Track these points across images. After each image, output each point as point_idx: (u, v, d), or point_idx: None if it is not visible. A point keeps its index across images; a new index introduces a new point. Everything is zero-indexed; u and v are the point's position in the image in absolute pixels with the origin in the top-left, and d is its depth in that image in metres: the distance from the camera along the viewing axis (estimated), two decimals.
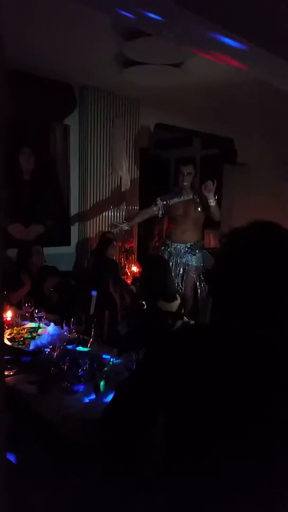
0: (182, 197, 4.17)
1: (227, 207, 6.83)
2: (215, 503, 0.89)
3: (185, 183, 4.14)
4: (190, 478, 0.93)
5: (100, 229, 4.80)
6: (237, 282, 0.92)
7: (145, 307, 2.46)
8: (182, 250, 4.17)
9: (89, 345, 2.21)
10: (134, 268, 4.75)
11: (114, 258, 4.35)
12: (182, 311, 2.66)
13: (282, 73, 2.99)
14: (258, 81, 3.45)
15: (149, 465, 1.13)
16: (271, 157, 6.00)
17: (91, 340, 2.23)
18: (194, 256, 4.14)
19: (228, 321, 0.95)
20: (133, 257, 4.99)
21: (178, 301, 2.63)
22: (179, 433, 0.95)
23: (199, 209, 4.14)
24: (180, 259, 4.15)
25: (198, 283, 4.18)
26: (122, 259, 4.83)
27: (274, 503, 0.87)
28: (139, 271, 4.53)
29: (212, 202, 4.06)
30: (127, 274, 4.65)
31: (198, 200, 4.13)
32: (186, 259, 4.15)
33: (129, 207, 5.08)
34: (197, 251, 4.17)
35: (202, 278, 4.18)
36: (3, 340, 2.16)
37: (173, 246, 4.20)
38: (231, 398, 0.88)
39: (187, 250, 4.15)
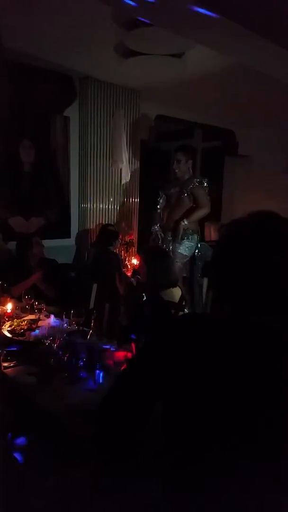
0: (176, 187, 4.17)
1: (228, 199, 6.83)
2: (215, 492, 0.90)
3: (176, 171, 4.14)
4: (189, 468, 0.93)
5: (100, 221, 4.80)
6: (236, 272, 0.92)
7: (145, 298, 2.46)
8: (169, 238, 4.17)
9: (88, 336, 2.21)
10: (134, 261, 4.75)
11: (115, 251, 4.35)
12: (183, 302, 2.67)
13: (283, 64, 2.96)
14: (259, 72, 3.42)
15: (147, 455, 1.14)
16: (272, 149, 5.97)
17: (90, 331, 2.23)
18: (181, 246, 4.12)
19: (228, 310, 0.95)
20: (133, 249, 4.99)
21: (179, 291, 2.65)
22: (177, 422, 0.96)
23: (186, 197, 4.11)
24: (168, 248, 4.14)
25: (187, 273, 4.17)
26: (122, 251, 4.83)
27: (277, 494, 0.88)
28: (139, 264, 4.53)
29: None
30: (127, 266, 4.65)
31: (186, 186, 4.10)
32: (173, 246, 4.12)
33: (129, 199, 5.08)
34: (183, 239, 4.13)
35: (196, 269, 4.17)
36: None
37: (166, 235, 4.22)
38: (230, 387, 0.88)
39: (173, 238, 4.14)
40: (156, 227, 4.37)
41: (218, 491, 0.90)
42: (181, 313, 2.61)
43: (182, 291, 2.70)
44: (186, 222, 4.08)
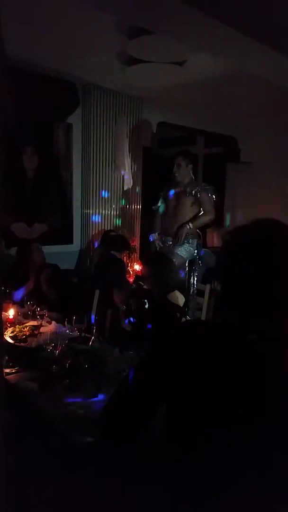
0: (176, 189, 4.19)
1: (230, 205, 6.83)
2: (215, 497, 0.90)
3: (176, 175, 4.18)
4: (191, 473, 0.93)
5: (103, 227, 4.81)
6: (239, 279, 0.92)
7: (147, 305, 2.46)
8: (170, 243, 4.18)
9: (90, 343, 2.21)
10: (137, 267, 4.75)
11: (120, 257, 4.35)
12: (186, 309, 2.68)
13: (284, 69, 2.98)
14: (261, 79, 3.44)
15: (149, 459, 1.13)
16: (274, 156, 5.98)
17: (92, 338, 2.23)
18: (180, 247, 4.12)
19: (231, 316, 0.95)
20: (135, 255, 5.00)
21: (182, 297, 2.66)
22: (180, 426, 0.95)
23: (189, 201, 4.12)
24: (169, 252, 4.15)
25: (186, 277, 4.17)
26: (125, 257, 4.83)
27: (275, 496, 0.88)
28: (141, 270, 4.53)
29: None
30: (129, 272, 4.65)
31: (189, 191, 4.11)
32: (171, 251, 4.12)
33: (132, 206, 5.09)
34: (183, 243, 4.13)
35: (195, 273, 4.17)
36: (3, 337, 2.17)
37: (164, 239, 4.22)
38: (232, 392, 0.88)
39: (173, 242, 4.15)
40: (154, 236, 4.38)
41: (220, 496, 0.89)
42: (183, 319, 2.62)
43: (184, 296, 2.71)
44: (191, 226, 4.10)
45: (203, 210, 4.15)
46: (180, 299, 2.64)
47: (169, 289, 2.61)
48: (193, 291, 4.14)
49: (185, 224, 4.11)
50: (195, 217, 4.15)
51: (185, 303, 2.66)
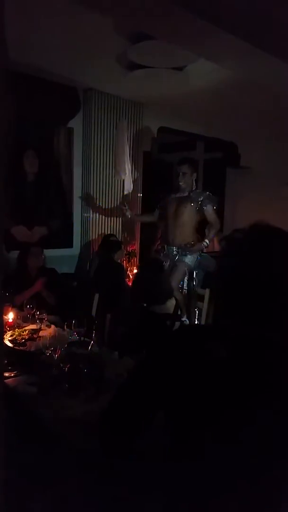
0: (177, 196, 4.18)
1: (230, 210, 6.85)
2: (216, 502, 0.90)
3: (180, 183, 4.13)
4: (190, 478, 0.93)
5: (103, 231, 4.81)
6: (238, 284, 0.93)
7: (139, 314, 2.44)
8: (174, 252, 4.18)
9: (89, 347, 2.20)
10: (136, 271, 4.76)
11: (120, 262, 4.36)
12: (179, 312, 2.64)
13: (284, 76, 3.00)
14: (261, 85, 3.46)
15: (148, 464, 1.13)
16: (274, 161, 6.00)
17: (91, 342, 2.23)
18: (185, 257, 4.14)
19: (230, 321, 0.95)
20: (135, 260, 5.00)
21: (173, 301, 2.62)
22: (179, 431, 0.95)
23: (192, 209, 4.11)
24: (173, 261, 4.16)
25: (187, 283, 4.18)
26: (125, 261, 4.84)
27: (277, 499, 0.88)
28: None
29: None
30: (129, 277, 4.65)
31: (193, 199, 4.10)
32: (178, 259, 4.14)
33: (132, 210, 5.09)
34: (188, 252, 4.14)
35: (195, 279, 4.18)
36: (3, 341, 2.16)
37: (167, 248, 4.23)
38: (231, 398, 0.88)
39: (178, 252, 4.15)
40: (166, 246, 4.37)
41: (220, 500, 0.89)
42: (177, 323, 2.59)
43: (178, 300, 2.66)
44: (207, 244, 4.14)
45: (209, 221, 4.16)
46: (169, 306, 2.55)
47: (154, 296, 2.48)
48: (192, 296, 4.15)
49: (201, 242, 4.14)
50: (207, 233, 4.20)
51: (176, 307, 2.62)
